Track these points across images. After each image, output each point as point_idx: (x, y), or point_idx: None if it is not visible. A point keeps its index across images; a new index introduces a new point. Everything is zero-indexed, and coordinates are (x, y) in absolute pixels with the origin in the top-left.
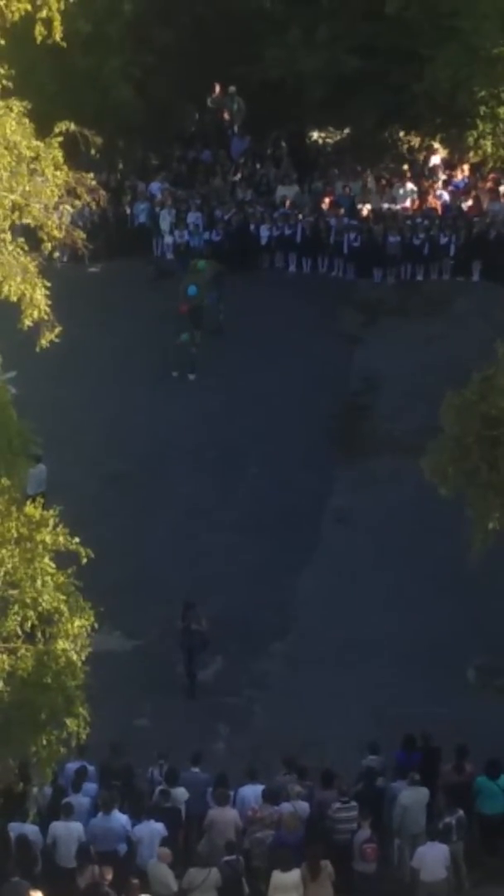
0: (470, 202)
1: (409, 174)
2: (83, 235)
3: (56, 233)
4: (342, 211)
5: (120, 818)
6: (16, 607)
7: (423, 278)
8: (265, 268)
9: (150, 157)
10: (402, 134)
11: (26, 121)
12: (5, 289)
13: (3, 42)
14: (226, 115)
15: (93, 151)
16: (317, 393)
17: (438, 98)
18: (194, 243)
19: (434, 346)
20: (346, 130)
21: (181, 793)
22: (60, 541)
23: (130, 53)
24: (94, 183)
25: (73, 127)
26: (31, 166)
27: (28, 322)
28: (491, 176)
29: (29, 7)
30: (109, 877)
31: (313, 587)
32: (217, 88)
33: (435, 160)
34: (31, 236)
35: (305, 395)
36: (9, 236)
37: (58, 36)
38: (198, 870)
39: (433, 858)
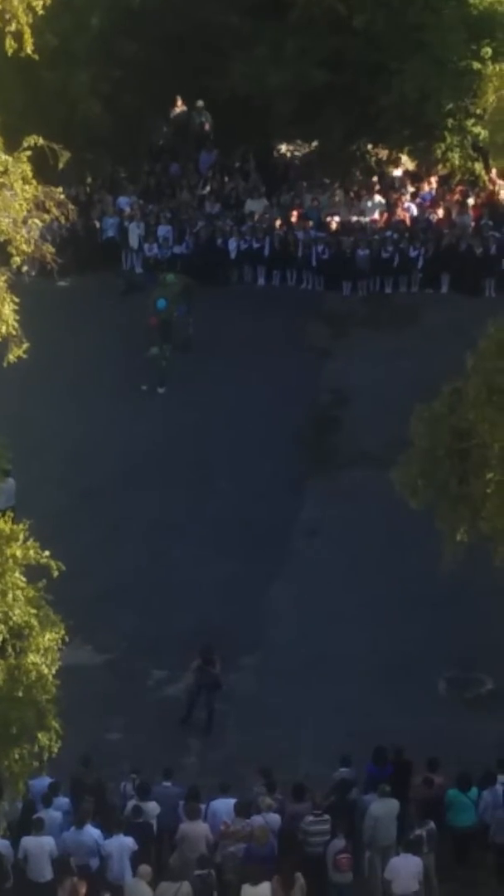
0: (438, 214)
1: (377, 187)
2: (52, 249)
3: (25, 247)
4: (310, 224)
5: (92, 832)
6: None
7: (391, 291)
8: (234, 281)
9: (118, 170)
10: (369, 147)
11: None
12: None
13: None
14: (206, 127)
15: (61, 165)
16: (286, 406)
17: (406, 111)
18: (163, 256)
19: (403, 358)
20: (314, 143)
21: (153, 807)
22: (31, 555)
23: (98, 67)
24: (62, 197)
25: (41, 141)
26: (0, 180)
27: None
28: (458, 188)
29: None
30: (83, 891)
31: (284, 601)
32: (179, 102)
33: (397, 172)
34: None
35: (275, 409)
36: None
37: (29, 49)
38: (169, 883)
39: (406, 871)
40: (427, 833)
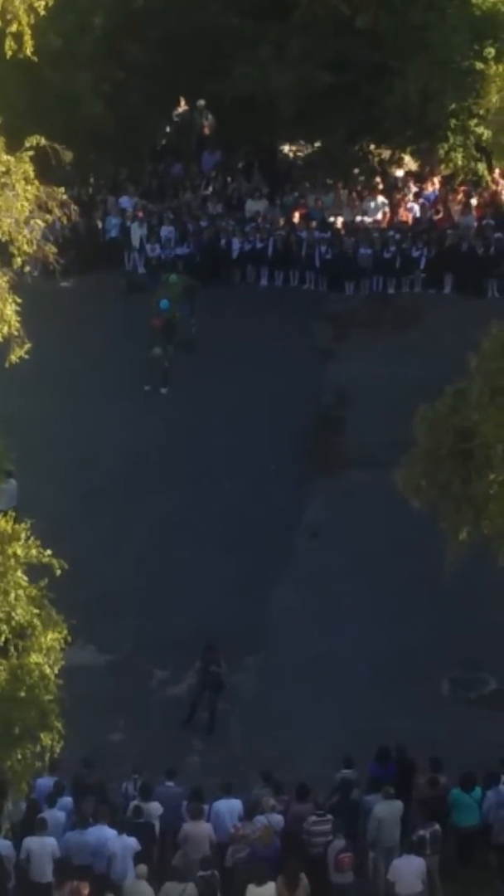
0: (441, 215)
1: (380, 187)
2: (54, 250)
3: (27, 247)
4: (314, 224)
5: (96, 832)
6: None
7: (394, 291)
8: (237, 281)
9: (121, 171)
10: (372, 147)
11: None
12: None
13: None
14: (205, 127)
15: (64, 165)
16: (289, 407)
17: (409, 111)
18: (166, 257)
19: (406, 359)
20: (317, 144)
21: (155, 807)
22: (33, 553)
23: (101, 68)
24: (65, 197)
25: (43, 141)
26: (2, 181)
27: None
28: (462, 188)
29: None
30: (86, 892)
31: (287, 601)
32: (183, 103)
33: (399, 173)
34: (1, 251)
35: (278, 409)
36: None
37: (28, 50)
38: (174, 884)
39: (409, 872)
40: (431, 834)
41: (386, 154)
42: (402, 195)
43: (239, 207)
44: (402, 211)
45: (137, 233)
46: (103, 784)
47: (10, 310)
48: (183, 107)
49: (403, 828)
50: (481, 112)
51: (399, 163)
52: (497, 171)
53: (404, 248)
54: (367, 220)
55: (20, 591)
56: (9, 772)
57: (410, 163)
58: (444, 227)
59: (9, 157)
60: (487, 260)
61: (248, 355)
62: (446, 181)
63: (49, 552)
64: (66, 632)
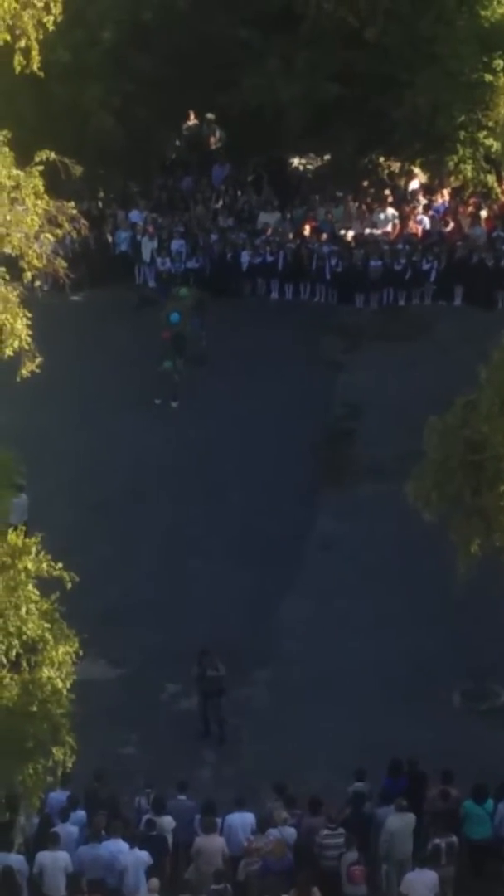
0: (451, 227)
1: (390, 199)
2: (64, 264)
3: (37, 262)
4: (324, 236)
5: (108, 846)
6: (0, 636)
7: (404, 303)
8: (247, 294)
9: (130, 185)
10: (381, 159)
11: (6, 150)
12: None
13: None
14: (212, 143)
15: (73, 180)
16: (300, 419)
17: (418, 123)
18: (176, 270)
19: (416, 371)
20: (327, 156)
21: (168, 821)
22: (44, 567)
23: (110, 82)
24: (75, 211)
25: (53, 156)
26: (12, 195)
27: (9, 352)
28: (471, 200)
29: (8, 37)
30: None
31: (298, 614)
32: (192, 116)
33: (413, 185)
34: (11, 266)
35: (288, 422)
36: None
37: (36, 66)
38: None
39: (422, 885)
40: (447, 844)
41: (395, 166)
42: (411, 207)
43: (249, 220)
44: (411, 223)
45: (148, 246)
46: (116, 798)
47: (21, 324)
48: (192, 120)
49: (416, 840)
50: (490, 124)
51: (409, 175)
52: None
53: (414, 260)
54: (377, 232)
55: (32, 606)
56: (21, 786)
57: (420, 175)
58: (454, 239)
59: (19, 172)
60: (498, 272)
61: (258, 368)
62: (456, 193)
63: (60, 566)
64: (77, 646)
